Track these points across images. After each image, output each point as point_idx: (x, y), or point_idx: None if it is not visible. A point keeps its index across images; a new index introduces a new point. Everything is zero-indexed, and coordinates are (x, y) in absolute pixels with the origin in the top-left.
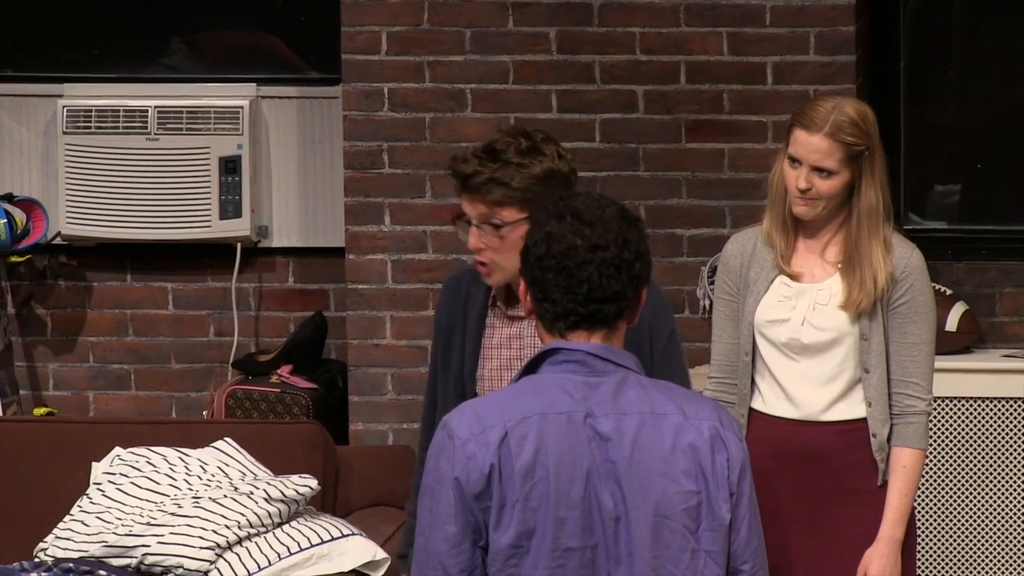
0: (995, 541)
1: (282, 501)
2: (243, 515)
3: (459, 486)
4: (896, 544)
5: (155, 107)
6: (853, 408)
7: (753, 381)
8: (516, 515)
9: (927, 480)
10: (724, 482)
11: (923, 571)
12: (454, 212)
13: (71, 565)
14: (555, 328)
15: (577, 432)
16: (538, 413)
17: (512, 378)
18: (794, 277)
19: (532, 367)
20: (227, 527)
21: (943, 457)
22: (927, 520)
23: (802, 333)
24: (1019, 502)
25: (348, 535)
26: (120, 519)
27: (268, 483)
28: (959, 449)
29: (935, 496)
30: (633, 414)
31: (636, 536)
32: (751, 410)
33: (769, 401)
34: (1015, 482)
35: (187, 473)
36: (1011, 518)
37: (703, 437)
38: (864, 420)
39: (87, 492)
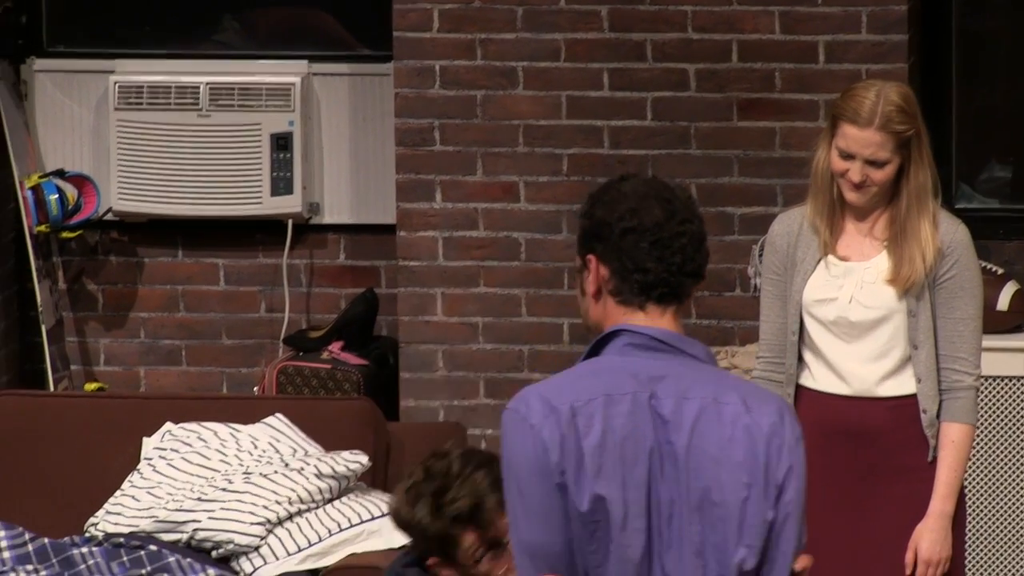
0: None
1: (333, 477)
2: (294, 491)
3: (539, 471)
4: (946, 519)
5: (207, 84)
6: (903, 384)
7: (801, 359)
8: (588, 496)
9: (976, 459)
10: (773, 479)
11: (972, 550)
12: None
13: (122, 540)
14: (635, 302)
15: (641, 413)
16: (603, 394)
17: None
18: (842, 257)
19: (595, 349)
20: (278, 503)
21: (993, 436)
22: (976, 499)
23: (850, 311)
24: None
25: None
26: (171, 494)
27: (319, 459)
28: (1009, 428)
29: (985, 475)
30: (695, 399)
31: (686, 521)
32: (799, 387)
33: (819, 377)
34: None
35: (238, 449)
36: None
37: (762, 431)
38: (914, 396)
39: (138, 467)
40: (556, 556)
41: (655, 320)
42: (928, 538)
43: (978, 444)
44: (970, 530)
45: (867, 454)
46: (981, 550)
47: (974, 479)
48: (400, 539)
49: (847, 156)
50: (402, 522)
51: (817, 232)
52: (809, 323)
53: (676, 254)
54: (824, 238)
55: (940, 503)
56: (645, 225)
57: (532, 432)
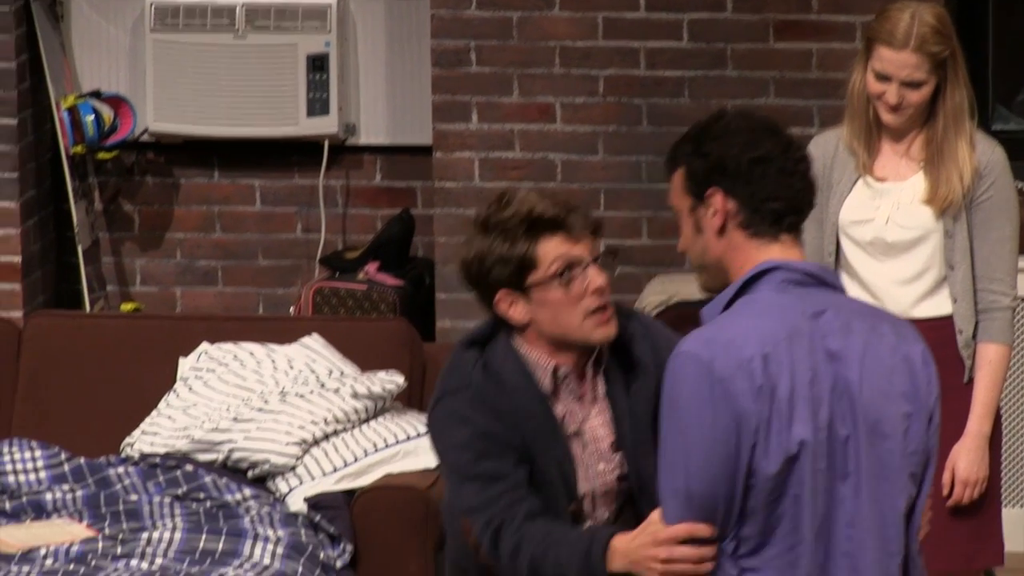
0: None
1: (368, 397)
2: (329, 411)
3: (734, 423)
4: (983, 439)
5: (243, 5)
6: (940, 305)
7: None
8: (782, 442)
9: (1013, 379)
10: (931, 408)
11: (1007, 471)
12: (561, 265)
13: (157, 460)
14: (768, 233)
15: (817, 353)
16: (785, 337)
17: (723, 299)
18: (879, 178)
19: (744, 288)
20: (313, 423)
21: None
22: (1013, 420)
23: (886, 232)
24: None
25: None
26: (207, 414)
27: (355, 379)
28: None
29: (1017, 395)
30: (857, 332)
31: (863, 456)
32: None
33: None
34: None
35: (274, 369)
36: None
37: (917, 359)
38: (950, 317)
39: (174, 388)
40: (717, 505)
41: (789, 250)
42: (965, 458)
43: (1014, 364)
44: (1005, 451)
45: None
46: (1016, 471)
47: (1010, 400)
48: (435, 461)
49: (883, 78)
50: (466, 266)
51: (854, 154)
52: (845, 244)
53: (800, 179)
54: (862, 159)
55: (977, 423)
56: (771, 154)
57: (723, 386)
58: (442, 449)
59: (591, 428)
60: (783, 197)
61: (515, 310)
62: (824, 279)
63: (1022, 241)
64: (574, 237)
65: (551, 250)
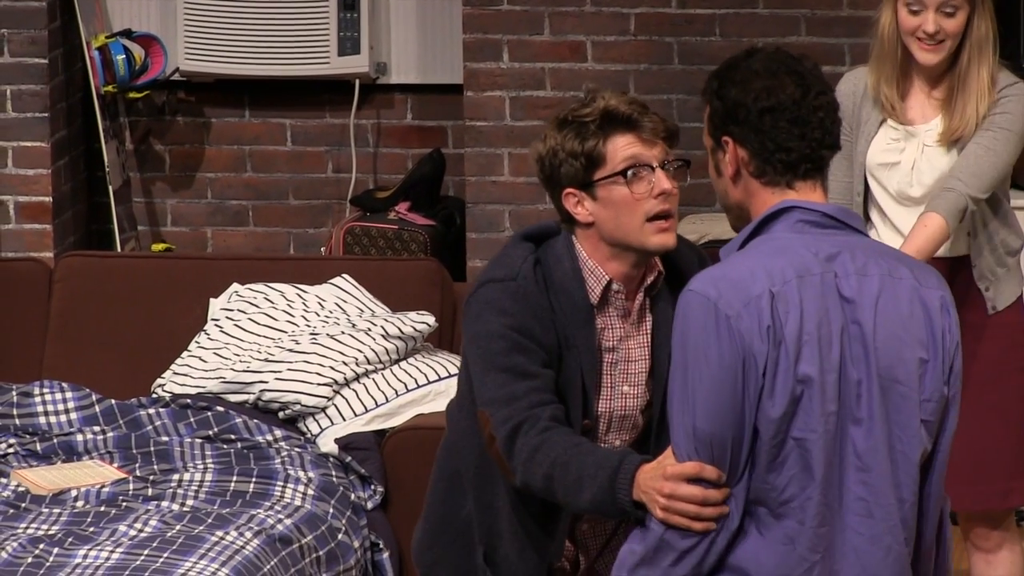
0: None
1: (399, 338)
2: (360, 352)
3: (742, 361)
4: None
5: None
6: (959, 245)
7: (868, 219)
8: (788, 382)
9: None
10: (950, 355)
11: None
12: (628, 163)
13: (188, 401)
14: (781, 181)
15: (830, 294)
16: (795, 276)
17: (740, 239)
18: (904, 121)
19: (762, 226)
20: (344, 363)
21: None
22: None
23: (912, 185)
24: None
25: None
26: (238, 355)
27: (386, 320)
28: None
29: None
30: (873, 275)
31: (876, 401)
32: None
33: (884, 236)
34: None
35: (305, 310)
36: None
37: (935, 305)
38: (967, 256)
39: (205, 328)
40: (725, 446)
41: (808, 195)
42: None
43: None
44: None
45: None
46: None
47: None
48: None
49: (917, 9)
50: (539, 161)
51: (882, 98)
52: (874, 186)
53: (816, 129)
54: (890, 103)
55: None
56: (784, 103)
57: (729, 323)
58: (473, 334)
59: (627, 348)
60: (794, 148)
61: (581, 209)
62: (843, 220)
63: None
64: (646, 139)
65: (620, 148)
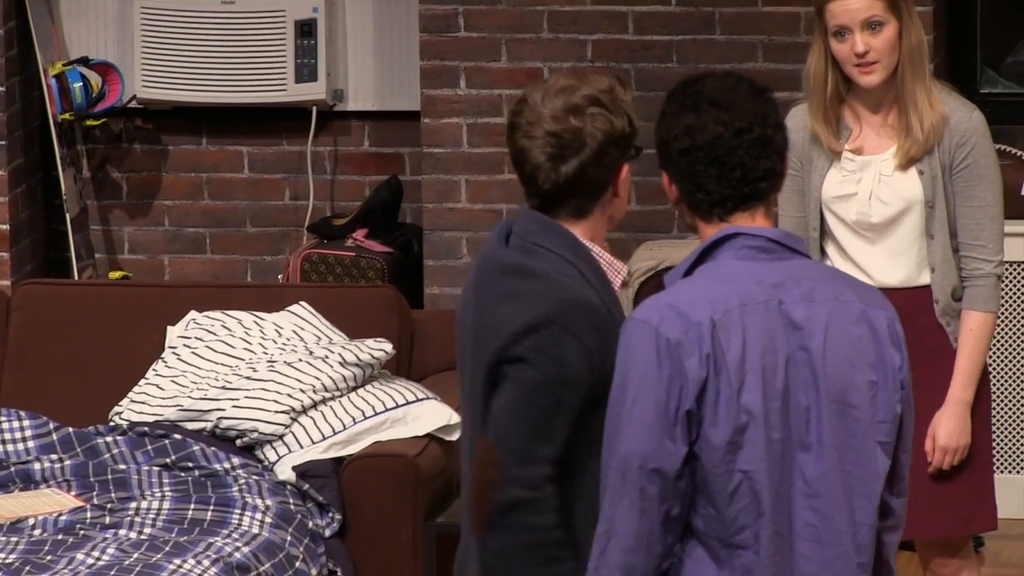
0: None
1: (357, 365)
2: (318, 379)
3: (677, 387)
4: (965, 407)
5: None
6: (920, 275)
7: (823, 252)
8: (731, 410)
9: (999, 344)
10: (898, 374)
11: (996, 435)
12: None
13: (146, 429)
14: (713, 214)
15: (774, 322)
16: (739, 304)
17: (684, 266)
18: (857, 151)
19: (707, 253)
20: (302, 391)
21: (1016, 322)
22: (999, 385)
23: (871, 212)
24: None
25: (423, 399)
26: (195, 383)
27: (343, 347)
28: None
29: (1007, 360)
30: (821, 301)
31: (826, 426)
32: None
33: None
34: None
35: (262, 337)
36: None
37: (882, 325)
38: (928, 287)
39: (162, 356)
40: (661, 471)
41: (748, 224)
42: (946, 426)
43: (1001, 329)
44: (996, 417)
45: None
46: (1003, 434)
47: (995, 364)
48: (424, 427)
49: (843, 33)
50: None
51: (821, 138)
52: (830, 220)
53: (735, 169)
54: (827, 140)
55: (959, 391)
56: (698, 144)
57: (669, 349)
58: (538, 362)
59: None
60: (714, 190)
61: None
62: (789, 245)
63: (1010, 205)
64: None
65: None
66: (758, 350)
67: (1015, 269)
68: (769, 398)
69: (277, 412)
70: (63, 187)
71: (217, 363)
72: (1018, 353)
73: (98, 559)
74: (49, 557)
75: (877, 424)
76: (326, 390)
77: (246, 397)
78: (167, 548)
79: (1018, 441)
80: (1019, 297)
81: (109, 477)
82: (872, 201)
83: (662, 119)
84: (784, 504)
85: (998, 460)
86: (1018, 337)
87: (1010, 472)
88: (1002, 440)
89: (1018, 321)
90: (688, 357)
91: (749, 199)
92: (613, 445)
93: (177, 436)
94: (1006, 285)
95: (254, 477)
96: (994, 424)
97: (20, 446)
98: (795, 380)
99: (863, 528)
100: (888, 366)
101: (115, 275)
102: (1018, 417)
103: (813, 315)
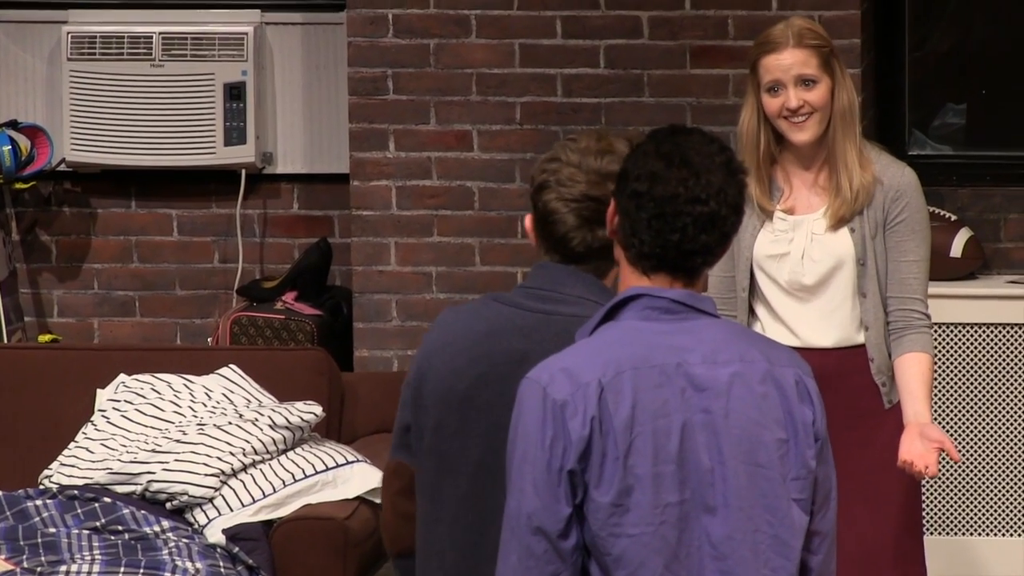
0: (998, 466)
1: (287, 428)
2: (248, 442)
3: (560, 447)
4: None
5: (159, 33)
6: (853, 334)
7: (752, 312)
8: (617, 473)
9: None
10: (810, 429)
11: (927, 499)
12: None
13: (76, 492)
14: (638, 264)
15: (671, 384)
16: (631, 367)
17: (590, 325)
18: (788, 211)
19: (612, 313)
20: (232, 454)
21: (948, 382)
22: None
23: (803, 273)
24: (1023, 427)
25: (353, 462)
26: (125, 446)
27: (273, 410)
28: (964, 375)
29: (939, 421)
30: (724, 362)
31: (732, 486)
32: None
33: (770, 331)
34: (1020, 407)
35: (192, 400)
36: (1015, 443)
37: (790, 383)
38: (863, 346)
39: (92, 419)
40: (552, 530)
41: (666, 286)
42: (920, 446)
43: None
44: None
45: (824, 403)
46: (935, 494)
47: None
48: (355, 490)
49: (776, 88)
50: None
51: (752, 195)
52: (761, 280)
53: (675, 232)
54: (759, 201)
55: (924, 416)
56: (653, 195)
57: (554, 409)
58: None
59: None
60: (647, 242)
61: None
62: (693, 305)
63: (939, 267)
64: None
65: None
66: (649, 413)
67: (944, 330)
68: (661, 462)
69: (207, 475)
70: None
71: (147, 426)
72: (947, 414)
73: None
74: None
75: (791, 482)
76: (256, 453)
77: (176, 460)
78: None
79: (945, 499)
80: (952, 358)
81: (39, 541)
82: (804, 261)
83: (635, 152)
84: (690, 568)
85: (928, 521)
86: (947, 400)
87: (940, 534)
88: (929, 498)
89: (948, 383)
90: (572, 418)
91: (676, 268)
92: (510, 500)
93: (107, 499)
94: (938, 346)
95: (184, 540)
96: (924, 485)
97: None
98: (695, 442)
99: None
100: (798, 422)
101: (44, 338)
102: (945, 481)
103: (716, 376)
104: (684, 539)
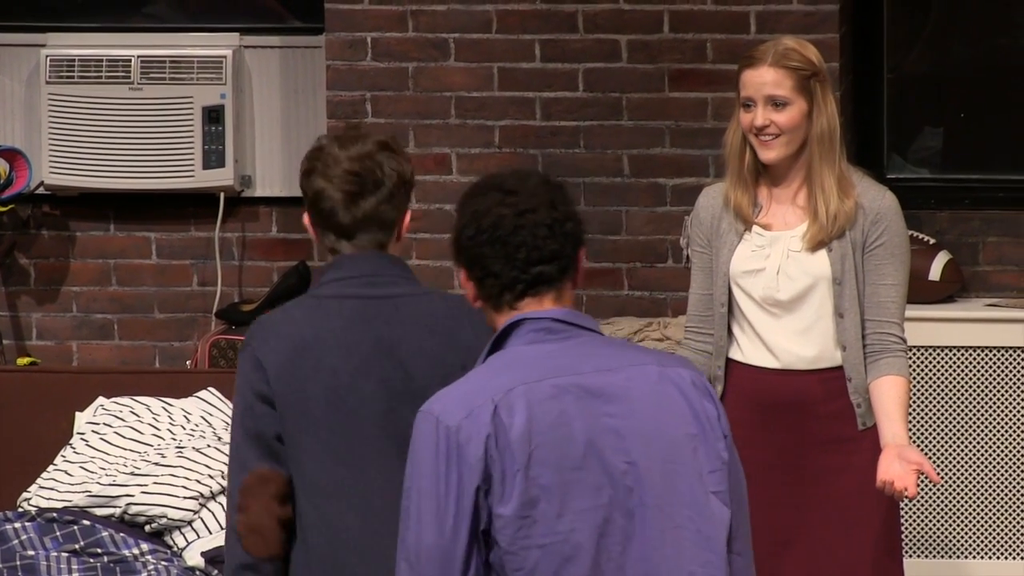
0: (977, 490)
1: None
2: (226, 465)
3: (457, 473)
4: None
5: (138, 56)
6: (832, 355)
7: (730, 332)
8: (517, 485)
9: (909, 429)
10: (716, 423)
11: (906, 522)
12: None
13: (55, 515)
14: (503, 303)
15: (565, 395)
16: (522, 383)
17: (480, 358)
18: (766, 227)
19: (498, 343)
20: (211, 476)
21: (926, 406)
22: None
23: (779, 289)
24: (1002, 450)
25: None
26: (104, 469)
27: None
28: (942, 398)
29: (918, 444)
30: (617, 368)
31: (648, 486)
32: (729, 360)
33: (748, 352)
34: (998, 430)
35: (171, 423)
36: (993, 466)
37: (686, 383)
38: (841, 368)
39: (71, 442)
40: (451, 558)
41: (535, 309)
42: (899, 467)
43: (909, 414)
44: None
45: (801, 426)
46: (913, 516)
47: None
48: None
49: (749, 104)
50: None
51: (729, 205)
52: (738, 295)
53: (519, 248)
54: (739, 206)
55: (901, 437)
56: (483, 227)
57: (448, 436)
58: None
59: None
60: (502, 273)
61: None
62: (574, 323)
63: (918, 290)
64: None
65: None
66: (546, 424)
67: (922, 353)
68: (567, 469)
69: (186, 498)
70: None
71: (126, 449)
72: (926, 437)
73: None
74: None
75: (708, 475)
76: None
77: (155, 483)
78: None
79: (923, 523)
80: (931, 381)
81: (18, 563)
82: (780, 277)
83: (459, 217)
84: (612, 573)
85: (907, 544)
86: (925, 423)
87: (919, 556)
88: (907, 523)
89: (926, 407)
90: (467, 443)
91: (537, 284)
92: (407, 531)
93: (86, 522)
94: (917, 370)
95: (163, 563)
96: (903, 508)
97: None
98: (602, 447)
99: None
100: (703, 417)
101: (23, 361)
102: (924, 504)
103: (611, 381)
104: (603, 544)
